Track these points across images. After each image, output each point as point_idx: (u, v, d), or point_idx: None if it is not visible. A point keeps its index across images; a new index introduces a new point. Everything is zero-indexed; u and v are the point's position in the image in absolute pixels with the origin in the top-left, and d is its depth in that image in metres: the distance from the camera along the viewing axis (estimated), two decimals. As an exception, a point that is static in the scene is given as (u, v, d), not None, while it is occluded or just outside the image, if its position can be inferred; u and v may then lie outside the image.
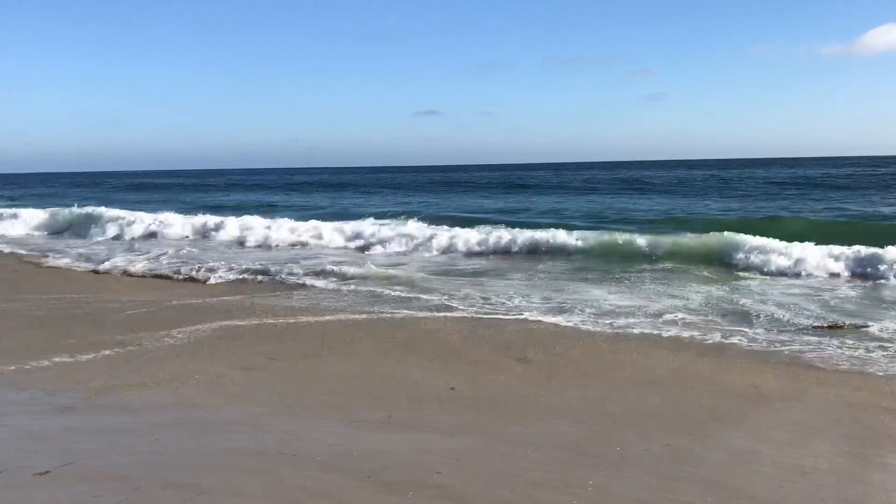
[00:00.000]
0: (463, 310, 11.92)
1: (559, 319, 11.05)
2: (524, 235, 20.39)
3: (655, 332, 10.23)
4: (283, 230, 24.55)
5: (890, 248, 15.00)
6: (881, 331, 9.72)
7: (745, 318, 10.92)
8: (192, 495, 4.85)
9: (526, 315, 11.56)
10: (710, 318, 10.92)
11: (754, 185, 44.67)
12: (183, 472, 5.29)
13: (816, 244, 16.07)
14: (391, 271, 16.21)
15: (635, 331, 10.29)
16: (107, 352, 9.38)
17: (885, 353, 8.68)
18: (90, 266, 18.98)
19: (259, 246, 23.15)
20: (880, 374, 8.06)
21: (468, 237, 20.89)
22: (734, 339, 9.71)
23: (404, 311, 11.94)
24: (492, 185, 58.63)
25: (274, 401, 7.17)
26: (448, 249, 20.47)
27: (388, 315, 11.64)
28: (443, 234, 21.54)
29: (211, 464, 5.45)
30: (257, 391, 7.54)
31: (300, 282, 15.27)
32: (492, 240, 20.44)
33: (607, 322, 10.83)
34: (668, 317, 11.01)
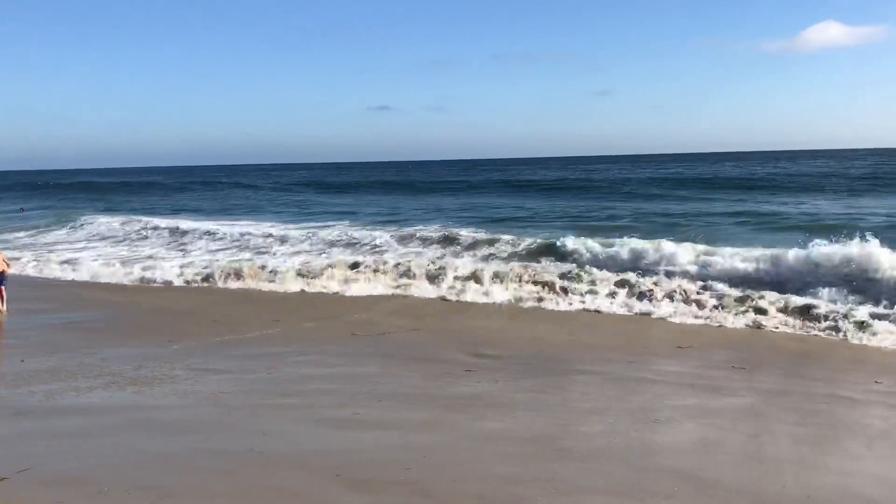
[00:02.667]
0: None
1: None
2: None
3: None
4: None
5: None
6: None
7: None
8: (156, 497, 4.83)
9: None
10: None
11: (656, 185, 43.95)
12: (147, 473, 5.32)
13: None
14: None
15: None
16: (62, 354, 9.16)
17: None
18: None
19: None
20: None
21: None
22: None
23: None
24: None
25: (234, 401, 7.09)
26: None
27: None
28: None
29: (175, 465, 5.45)
30: (220, 392, 7.45)
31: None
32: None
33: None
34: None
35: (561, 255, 16.20)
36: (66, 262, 18.92)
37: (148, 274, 16.13)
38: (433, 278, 13.95)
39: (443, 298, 12.88)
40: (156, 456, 5.71)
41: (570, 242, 16.61)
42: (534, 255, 16.67)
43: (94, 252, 21.35)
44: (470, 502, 4.85)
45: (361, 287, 13.78)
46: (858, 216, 22.50)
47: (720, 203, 30.05)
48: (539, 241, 17.82)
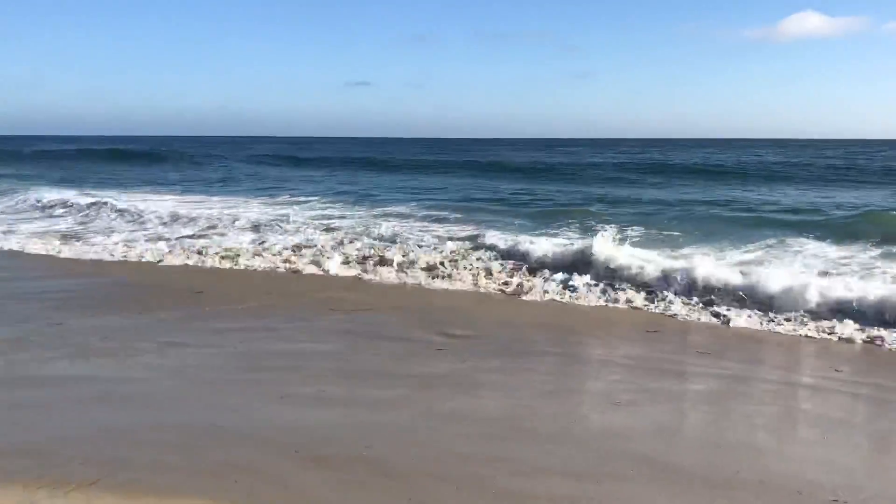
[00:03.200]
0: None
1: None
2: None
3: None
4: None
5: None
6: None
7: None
8: (115, 470, 4.83)
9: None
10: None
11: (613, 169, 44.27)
12: (106, 446, 5.32)
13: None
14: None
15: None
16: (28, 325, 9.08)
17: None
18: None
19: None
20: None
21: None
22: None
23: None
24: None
25: (199, 376, 7.07)
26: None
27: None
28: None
29: (134, 439, 5.46)
30: (185, 366, 7.43)
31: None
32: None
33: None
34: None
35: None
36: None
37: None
38: (401, 264, 13.88)
39: (406, 284, 12.79)
40: (116, 429, 5.73)
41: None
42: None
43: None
44: (429, 481, 4.94)
45: (336, 266, 13.70)
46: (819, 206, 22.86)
47: (672, 190, 30.37)
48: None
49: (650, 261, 12.36)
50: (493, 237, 15.85)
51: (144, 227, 19.84)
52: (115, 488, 4.61)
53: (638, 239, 15.09)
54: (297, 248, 15.31)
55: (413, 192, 30.40)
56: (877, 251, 13.59)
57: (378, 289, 12.09)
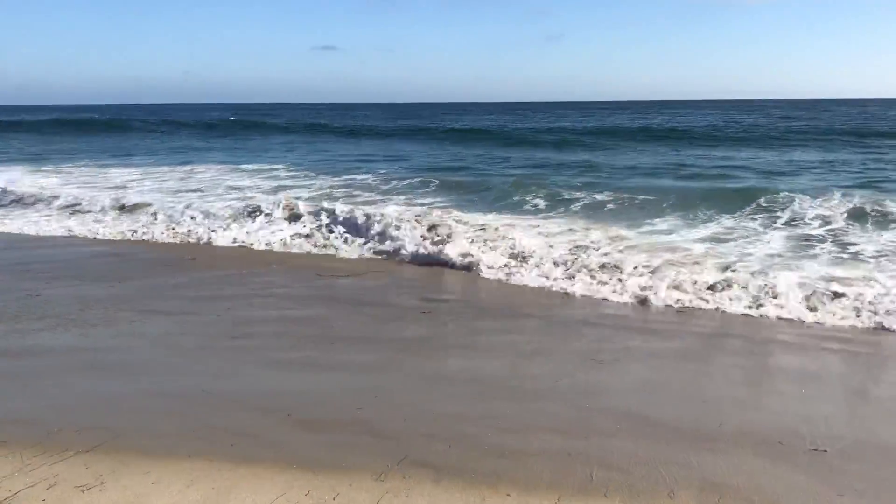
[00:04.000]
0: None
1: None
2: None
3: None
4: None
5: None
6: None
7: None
8: (106, 437, 4.88)
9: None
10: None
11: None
12: (96, 415, 5.38)
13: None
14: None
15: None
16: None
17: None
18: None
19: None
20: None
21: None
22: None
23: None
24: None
25: (189, 343, 7.11)
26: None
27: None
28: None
29: (124, 406, 5.51)
30: (169, 334, 7.44)
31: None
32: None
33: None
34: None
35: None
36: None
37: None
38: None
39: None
40: (104, 397, 5.77)
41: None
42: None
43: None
44: (420, 440, 5.05)
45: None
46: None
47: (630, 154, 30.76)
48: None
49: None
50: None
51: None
52: (113, 453, 4.67)
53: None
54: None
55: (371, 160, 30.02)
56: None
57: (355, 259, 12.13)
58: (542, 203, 16.50)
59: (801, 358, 7.09)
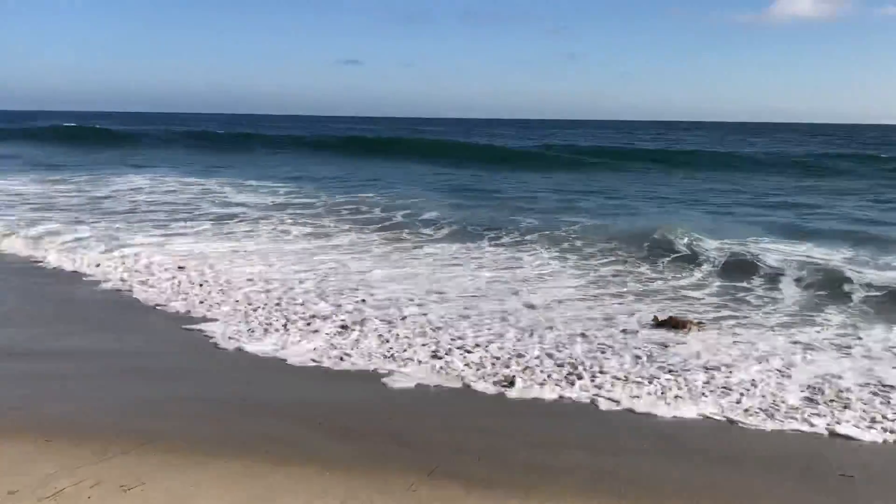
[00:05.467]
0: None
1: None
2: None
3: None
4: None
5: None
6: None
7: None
8: (145, 440, 5.03)
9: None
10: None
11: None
12: (134, 417, 5.54)
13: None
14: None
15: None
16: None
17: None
18: None
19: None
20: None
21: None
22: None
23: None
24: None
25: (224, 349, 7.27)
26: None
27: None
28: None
29: (162, 410, 5.66)
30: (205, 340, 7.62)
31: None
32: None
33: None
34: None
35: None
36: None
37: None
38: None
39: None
40: (142, 401, 5.96)
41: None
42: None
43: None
44: (447, 450, 5.15)
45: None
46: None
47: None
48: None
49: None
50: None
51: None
52: (153, 455, 4.81)
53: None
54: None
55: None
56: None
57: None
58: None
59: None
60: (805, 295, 9.90)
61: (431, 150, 41.35)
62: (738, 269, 11.40)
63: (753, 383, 6.54)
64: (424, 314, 8.63)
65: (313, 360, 6.99)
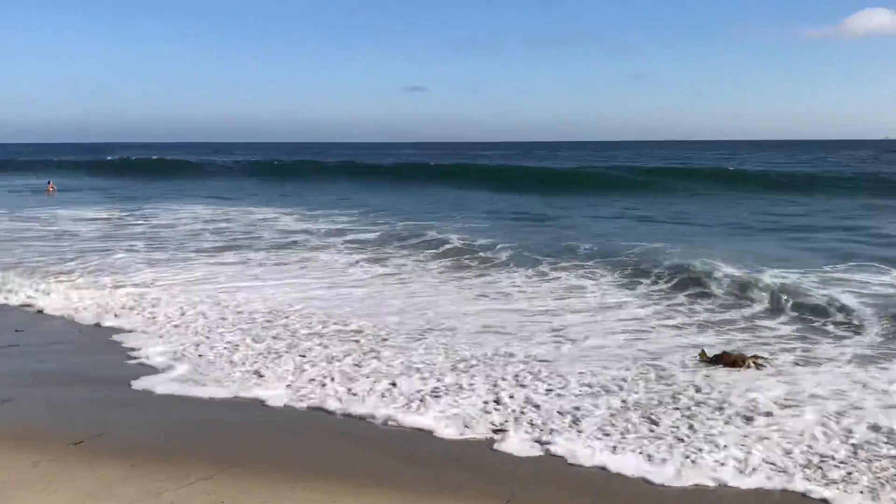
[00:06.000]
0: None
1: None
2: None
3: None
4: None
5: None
6: None
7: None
8: (222, 466, 5.10)
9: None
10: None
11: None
12: (211, 443, 5.69)
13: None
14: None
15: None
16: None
17: None
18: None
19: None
20: None
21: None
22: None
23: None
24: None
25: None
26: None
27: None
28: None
29: (235, 436, 5.77)
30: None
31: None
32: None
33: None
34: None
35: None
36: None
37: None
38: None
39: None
40: (218, 426, 6.04)
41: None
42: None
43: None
44: (511, 480, 5.06)
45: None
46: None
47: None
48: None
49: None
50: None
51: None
52: (231, 481, 4.88)
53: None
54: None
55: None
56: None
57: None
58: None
59: None
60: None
61: (496, 176, 41.28)
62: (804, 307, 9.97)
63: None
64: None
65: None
